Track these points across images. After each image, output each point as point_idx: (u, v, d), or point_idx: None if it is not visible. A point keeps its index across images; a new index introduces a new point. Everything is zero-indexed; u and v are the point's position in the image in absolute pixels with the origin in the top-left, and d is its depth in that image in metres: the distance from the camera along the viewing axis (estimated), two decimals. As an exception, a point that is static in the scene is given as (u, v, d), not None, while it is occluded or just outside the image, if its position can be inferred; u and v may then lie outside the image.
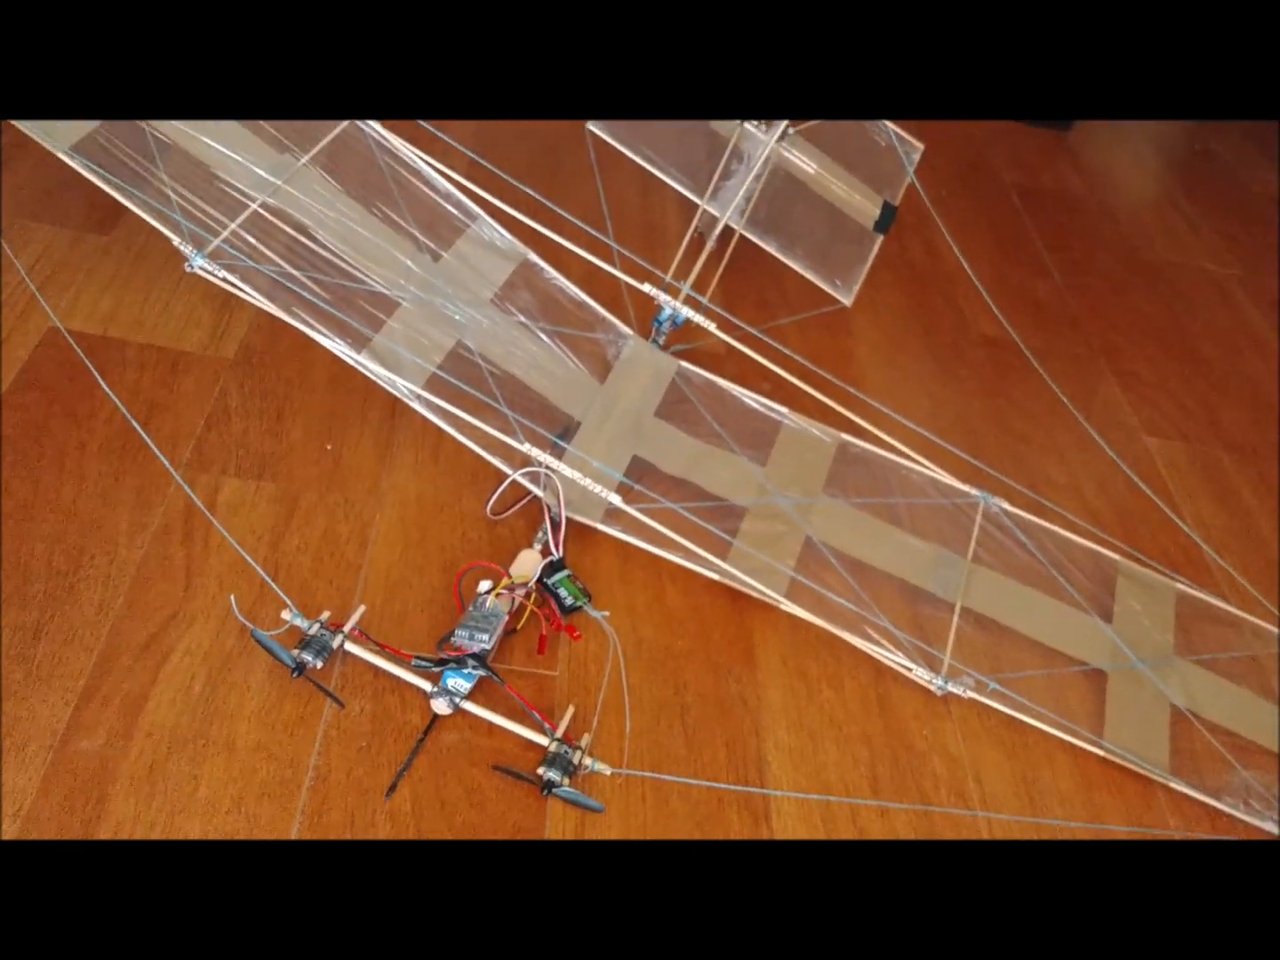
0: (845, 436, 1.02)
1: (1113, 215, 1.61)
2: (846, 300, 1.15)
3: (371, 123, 0.98)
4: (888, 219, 1.21)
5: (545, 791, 0.72)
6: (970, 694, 0.86)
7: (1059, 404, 1.17)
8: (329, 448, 0.94)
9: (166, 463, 0.86)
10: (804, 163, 1.20)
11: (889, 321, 1.29)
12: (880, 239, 1.20)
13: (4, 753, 0.69)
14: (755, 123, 1.18)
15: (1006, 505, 1.00)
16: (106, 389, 0.89)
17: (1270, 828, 0.84)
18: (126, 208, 0.82)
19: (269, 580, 0.80)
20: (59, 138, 0.84)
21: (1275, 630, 0.99)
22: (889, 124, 1.23)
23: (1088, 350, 1.32)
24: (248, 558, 0.81)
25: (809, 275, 1.15)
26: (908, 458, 1.01)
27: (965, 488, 1.00)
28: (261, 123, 0.94)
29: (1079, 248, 1.51)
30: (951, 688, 0.85)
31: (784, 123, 1.14)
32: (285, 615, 0.76)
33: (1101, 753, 0.85)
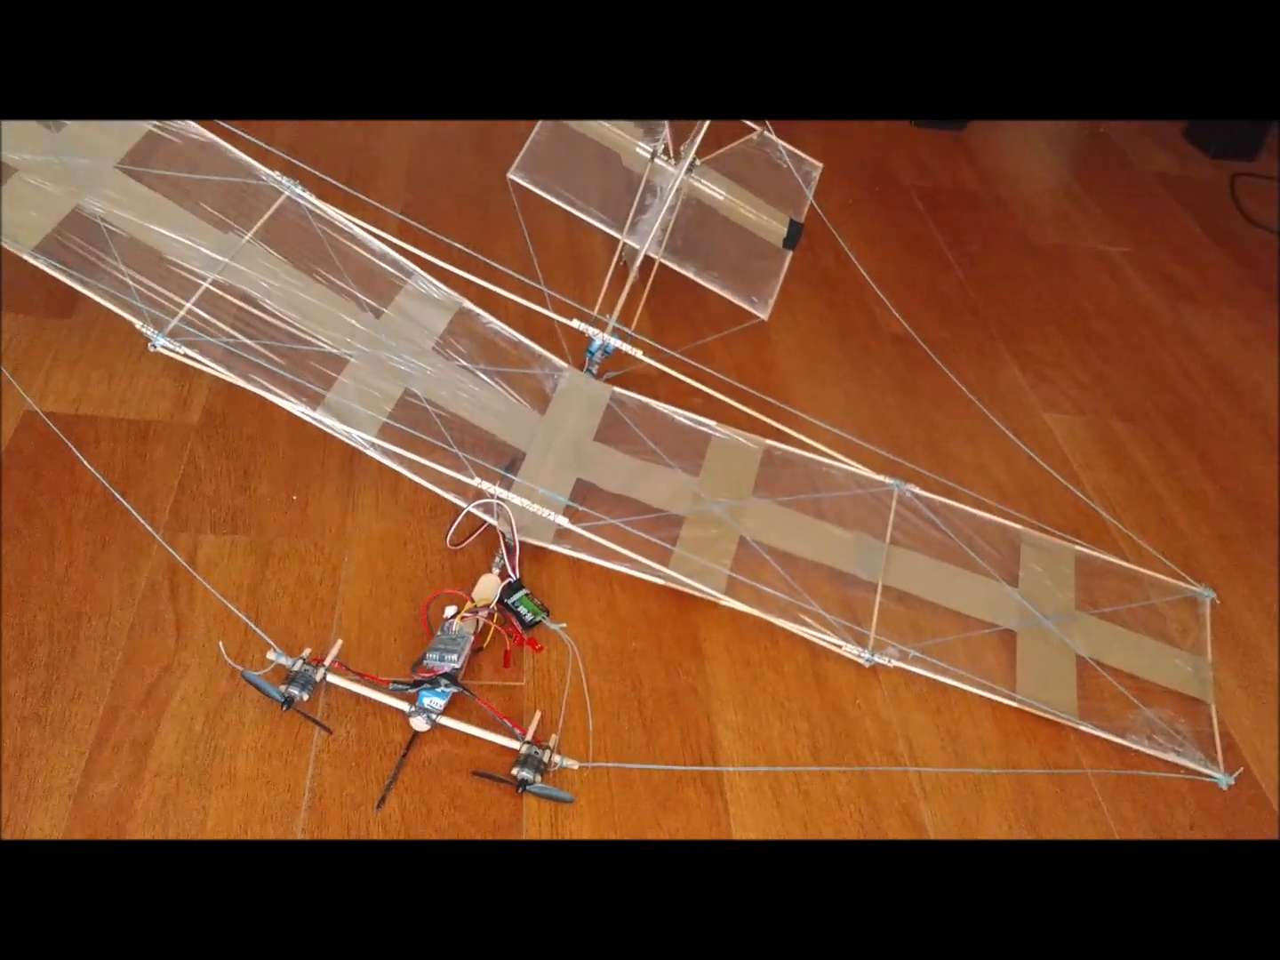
0: (769, 442, 1.12)
1: (1008, 206, 1.72)
2: (763, 315, 1.25)
3: (306, 194, 1.05)
4: (795, 235, 1.30)
5: (520, 789, 0.81)
6: (895, 663, 0.95)
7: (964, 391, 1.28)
8: (295, 498, 1.02)
9: (148, 526, 0.94)
10: (713, 190, 1.29)
11: (806, 329, 1.39)
12: (790, 254, 1.29)
13: (31, 802, 0.76)
14: (664, 157, 1.28)
15: (918, 490, 1.09)
16: (86, 464, 0.97)
17: (1171, 758, 0.94)
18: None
19: (252, 625, 0.88)
20: (22, 240, 0.92)
21: (1170, 580, 1.09)
22: (787, 146, 1.32)
23: (988, 337, 1.42)
24: (231, 606, 0.89)
25: (727, 294, 1.25)
26: (827, 456, 1.11)
27: (880, 478, 1.10)
28: (203, 204, 1.02)
29: (977, 241, 1.62)
30: (878, 659, 0.95)
31: (691, 154, 1.23)
32: (270, 655, 0.84)
33: (1015, 704, 0.95)
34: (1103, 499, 1.20)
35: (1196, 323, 1.54)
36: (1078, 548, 1.09)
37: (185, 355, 0.91)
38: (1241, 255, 1.72)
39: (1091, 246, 1.67)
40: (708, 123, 1.21)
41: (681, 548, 0.99)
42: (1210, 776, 0.93)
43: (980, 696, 0.95)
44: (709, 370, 1.12)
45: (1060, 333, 1.46)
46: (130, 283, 0.93)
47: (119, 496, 0.95)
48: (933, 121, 1.91)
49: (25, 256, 0.91)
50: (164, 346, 0.91)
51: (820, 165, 1.35)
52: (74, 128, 0.99)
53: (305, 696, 0.83)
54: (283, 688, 0.82)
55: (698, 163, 1.26)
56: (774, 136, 1.29)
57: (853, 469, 1.11)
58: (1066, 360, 1.41)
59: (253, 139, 1.04)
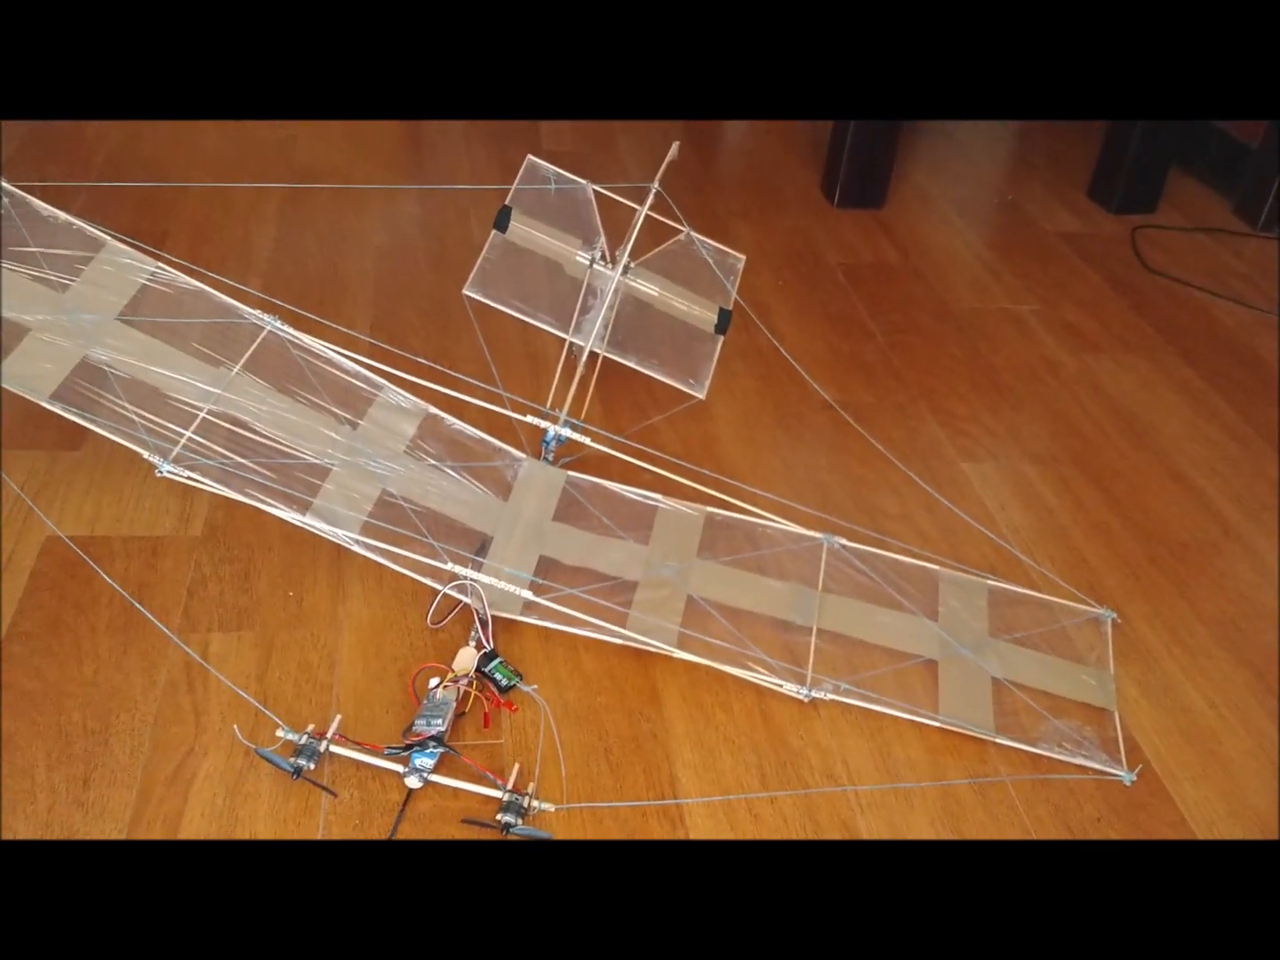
0: (709, 509, 1.25)
1: (924, 277, 1.89)
2: (700, 395, 1.40)
3: (284, 327, 1.20)
4: (725, 321, 1.46)
5: (504, 831, 0.93)
6: (831, 696, 1.08)
7: (889, 449, 1.42)
8: (291, 594, 1.14)
9: (165, 629, 1.06)
10: (648, 288, 1.44)
11: (744, 403, 1.54)
12: (721, 339, 1.44)
13: (78, 878, 0.88)
14: (602, 262, 1.43)
15: (845, 541, 1.23)
16: (106, 578, 1.10)
17: (1079, 761, 1.06)
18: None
19: (261, 708, 1.00)
20: (39, 390, 1.05)
21: (1075, 605, 1.23)
22: (711, 241, 1.48)
23: (909, 398, 1.57)
24: (242, 693, 1.02)
25: (666, 380, 1.40)
26: (762, 517, 1.24)
27: (811, 533, 1.24)
28: (194, 344, 1.16)
29: (897, 311, 1.78)
30: (815, 694, 1.08)
31: (625, 257, 1.39)
32: (279, 733, 0.97)
33: (939, 724, 1.07)
34: (1015, 537, 1.33)
35: (1099, 369, 1.69)
36: (990, 582, 1.23)
37: (188, 478, 1.05)
38: (1142, 303, 1.88)
39: (1002, 307, 1.83)
40: (638, 229, 1.37)
41: (636, 609, 1.12)
42: (1115, 775, 1.05)
43: (908, 720, 1.08)
44: (653, 451, 1.26)
45: (974, 389, 1.61)
46: (135, 418, 1.07)
47: (137, 605, 1.08)
48: (853, 202, 2.09)
49: (43, 403, 1.04)
50: (169, 472, 1.04)
51: (743, 257, 1.50)
52: (77, 287, 1.14)
53: (312, 766, 0.95)
54: (292, 760, 0.94)
55: (632, 265, 1.42)
56: (698, 235, 1.45)
57: (786, 527, 1.24)
58: (980, 413, 1.56)
59: (233, 282, 1.19)
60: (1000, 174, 2.35)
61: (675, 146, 1.47)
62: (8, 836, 0.90)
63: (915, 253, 1.97)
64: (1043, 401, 1.60)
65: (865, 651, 1.15)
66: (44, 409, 1.05)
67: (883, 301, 1.80)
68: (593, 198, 1.40)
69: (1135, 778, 1.05)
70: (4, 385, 1.04)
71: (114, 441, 1.05)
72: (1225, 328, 1.83)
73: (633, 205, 1.38)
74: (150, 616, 1.07)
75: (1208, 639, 1.22)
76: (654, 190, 1.38)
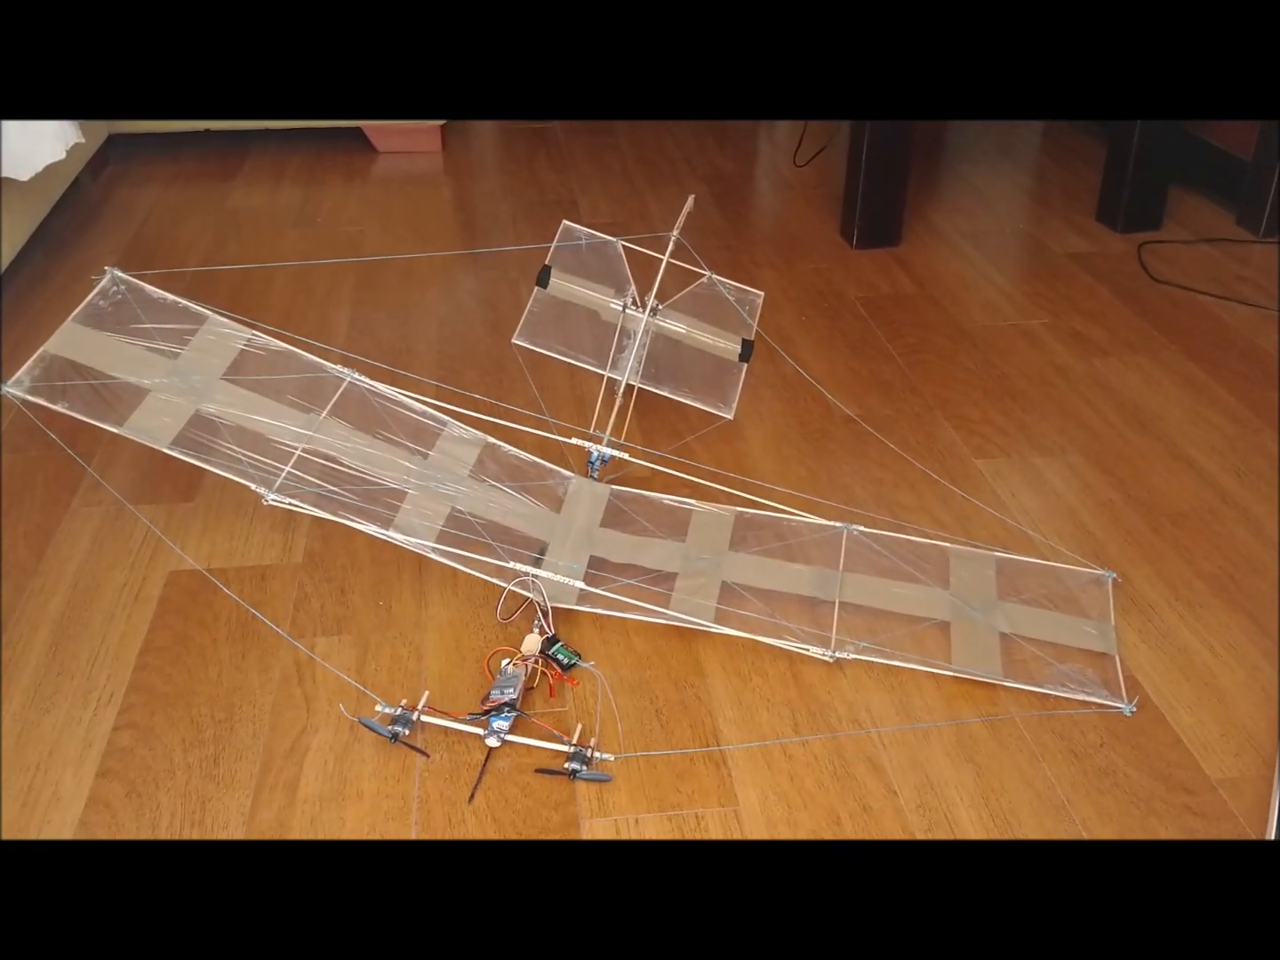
0: (739, 508, 1.41)
1: (939, 303, 2.04)
2: (729, 415, 1.57)
3: (362, 378, 1.40)
4: (747, 351, 1.63)
5: (572, 777, 1.08)
6: (853, 655, 1.22)
7: (905, 452, 1.57)
8: (381, 604, 1.32)
9: (280, 630, 1.25)
10: (675, 326, 1.62)
11: (771, 423, 1.70)
12: (745, 366, 1.61)
13: (215, 833, 1.05)
14: (633, 307, 1.61)
15: (863, 528, 1.37)
16: (230, 594, 1.29)
17: (1083, 697, 1.18)
18: (201, 481, 1.23)
19: (363, 689, 1.18)
20: (160, 439, 1.25)
21: (1078, 569, 1.35)
22: (731, 282, 1.66)
23: (926, 408, 1.72)
24: (345, 677, 1.19)
25: (697, 404, 1.57)
26: (788, 513, 1.39)
27: (832, 523, 1.38)
28: (288, 395, 1.36)
29: (914, 334, 1.93)
30: (839, 654, 1.21)
31: (652, 301, 1.57)
32: (378, 707, 1.13)
33: (952, 673, 1.20)
34: (1025, 518, 1.46)
35: (1106, 370, 1.82)
36: (996, 554, 1.36)
37: (290, 504, 1.23)
38: (1147, 310, 2.01)
39: (1014, 324, 1.97)
40: (662, 273, 1.55)
41: (678, 594, 1.28)
42: (1115, 707, 1.17)
43: (925, 672, 1.21)
44: (688, 461, 1.42)
45: (987, 396, 1.75)
46: (243, 458, 1.26)
47: (261, 616, 1.27)
48: (870, 243, 2.26)
49: (164, 449, 1.24)
50: (273, 500, 1.23)
51: (761, 293, 1.68)
52: (186, 354, 1.35)
53: (407, 732, 1.11)
54: (390, 727, 1.11)
55: (660, 307, 1.60)
56: (718, 277, 1.63)
57: (809, 520, 1.39)
58: (993, 416, 1.69)
59: (318, 343, 1.39)
60: (1012, 208, 2.50)
61: (691, 199, 1.67)
62: (151, 808, 1.07)
63: (931, 283, 2.12)
64: (1052, 402, 1.73)
65: (884, 619, 1.28)
66: (159, 468, 1.26)
67: (900, 327, 1.96)
68: (622, 252, 1.60)
69: (1135, 709, 1.16)
70: (130, 437, 1.24)
71: (222, 491, 1.25)
72: (1226, 325, 1.95)
73: (657, 255, 1.56)
74: (267, 621, 1.26)
75: (1205, 592, 1.33)
76: (673, 238, 1.57)
